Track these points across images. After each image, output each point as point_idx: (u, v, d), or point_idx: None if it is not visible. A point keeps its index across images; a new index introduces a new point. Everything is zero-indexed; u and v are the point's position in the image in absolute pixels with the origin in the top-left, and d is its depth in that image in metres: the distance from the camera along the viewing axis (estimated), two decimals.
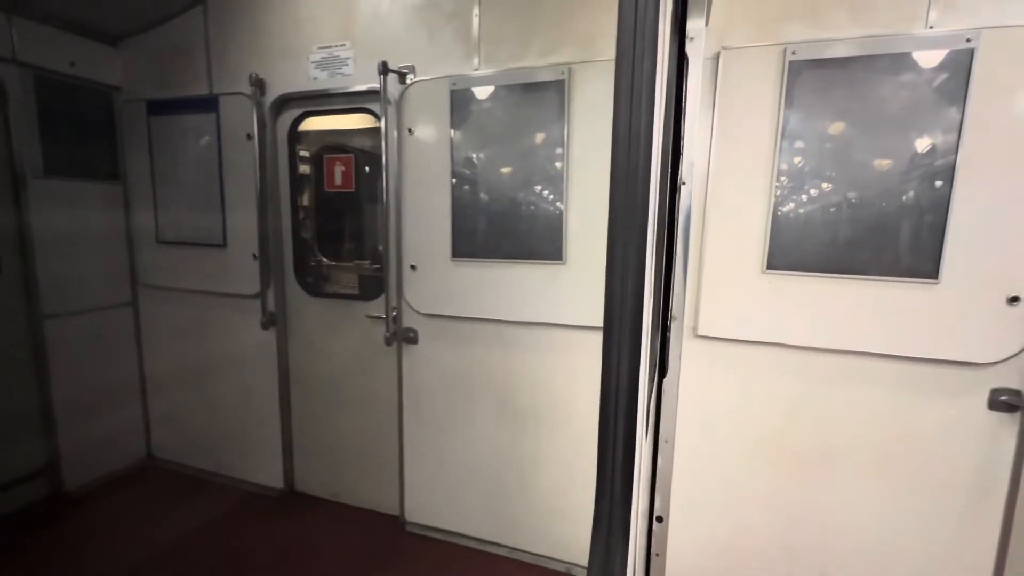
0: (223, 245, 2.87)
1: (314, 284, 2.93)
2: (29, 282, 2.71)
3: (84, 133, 2.91)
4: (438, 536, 2.64)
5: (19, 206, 2.65)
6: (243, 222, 2.78)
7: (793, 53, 1.78)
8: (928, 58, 1.65)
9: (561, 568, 2.42)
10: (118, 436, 3.18)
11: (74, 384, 2.90)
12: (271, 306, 2.86)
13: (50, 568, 2.38)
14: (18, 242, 2.66)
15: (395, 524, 2.75)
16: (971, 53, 1.60)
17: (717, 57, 1.87)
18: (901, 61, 1.67)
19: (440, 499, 2.62)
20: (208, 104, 2.79)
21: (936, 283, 1.71)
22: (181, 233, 2.99)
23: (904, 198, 1.72)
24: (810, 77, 1.78)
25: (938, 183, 1.68)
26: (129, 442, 3.25)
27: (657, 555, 2.17)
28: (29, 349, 2.75)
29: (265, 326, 2.84)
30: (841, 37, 1.74)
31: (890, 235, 1.75)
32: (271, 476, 3.01)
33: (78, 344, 2.93)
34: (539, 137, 2.17)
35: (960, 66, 1.61)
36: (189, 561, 2.45)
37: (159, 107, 2.94)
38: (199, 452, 3.20)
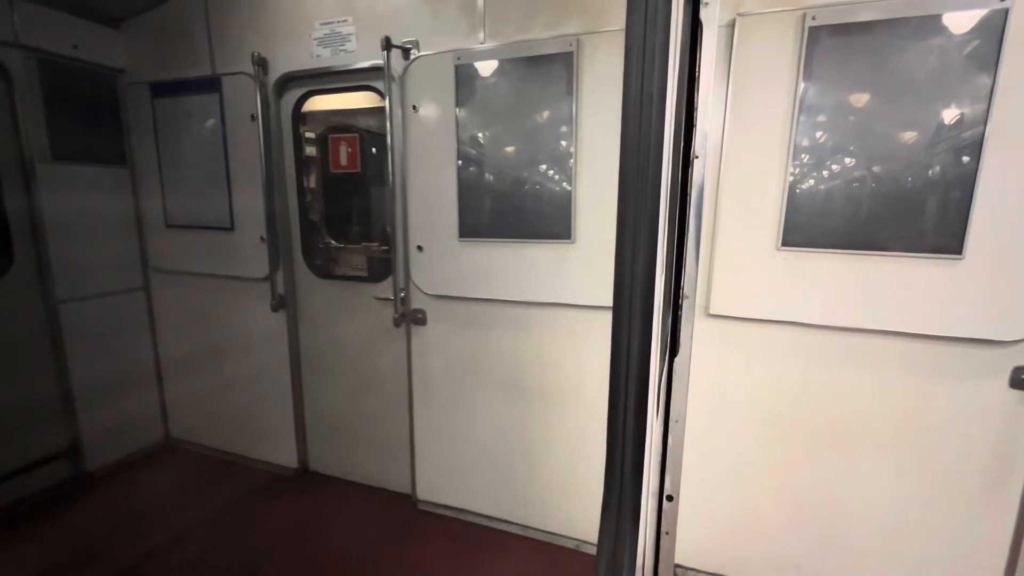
0: (231, 228, 2.86)
1: (322, 266, 2.92)
2: (42, 268, 2.73)
3: (90, 117, 2.90)
4: (450, 514, 2.68)
5: (28, 191, 2.66)
6: (250, 205, 2.77)
7: (813, 18, 1.69)
8: (958, 20, 1.56)
9: (570, 545, 2.44)
10: (137, 418, 3.24)
11: (92, 368, 2.95)
12: (280, 288, 2.87)
13: (74, 546, 2.46)
14: (29, 228, 2.68)
15: (407, 502, 2.79)
16: (1005, 14, 1.51)
17: (732, 24, 1.79)
18: (928, 24, 1.59)
19: (451, 478, 2.64)
20: (211, 85, 2.76)
21: (960, 259, 1.65)
22: (189, 217, 2.99)
23: (929, 172, 1.65)
24: (830, 44, 1.69)
25: (965, 157, 1.60)
26: (147, 424, 3.32)
27: (667, 533, 2.17)
28: (46, 334, 2.79)
29: (275, 308, 2.85)
30: (864, 0, 1.65)
31: (913, 210, 1.68)
32: (285, 456, 3.07)
33: (93, 328, 2.96)
34: (547, 113, 2.11)
35: (992, 28, 1.53)
36: (208, 538, 2.51)
37: (163, 89, 2.91)
38: (215, 433, 3.26)
